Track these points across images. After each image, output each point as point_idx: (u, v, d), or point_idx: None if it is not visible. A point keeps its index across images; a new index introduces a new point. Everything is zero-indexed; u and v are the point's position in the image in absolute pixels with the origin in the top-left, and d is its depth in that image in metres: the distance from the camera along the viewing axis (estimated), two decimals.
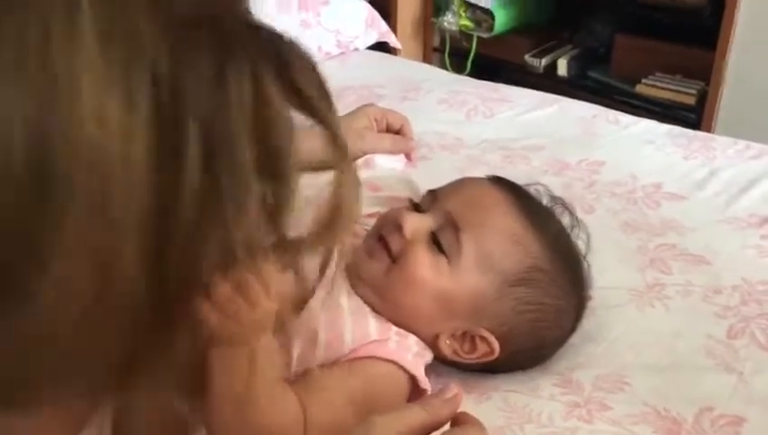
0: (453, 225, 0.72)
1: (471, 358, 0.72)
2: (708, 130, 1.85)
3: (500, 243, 0.72)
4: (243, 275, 0.54)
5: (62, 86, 0.32)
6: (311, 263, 0.55)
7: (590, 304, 0.81)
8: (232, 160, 0.36)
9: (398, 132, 1.10)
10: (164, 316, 0.38)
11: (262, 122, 0.37)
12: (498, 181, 0.79)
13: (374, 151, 1.05)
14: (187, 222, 0.35)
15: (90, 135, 0.32)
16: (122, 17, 0.34)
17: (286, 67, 0.39)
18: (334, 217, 0.44)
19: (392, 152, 1.07)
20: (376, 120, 1.07)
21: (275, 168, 0.39)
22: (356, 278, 0.72)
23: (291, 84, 0.39)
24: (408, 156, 1.08)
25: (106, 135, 0.33)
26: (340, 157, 0.43)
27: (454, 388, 0.65)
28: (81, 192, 0.33)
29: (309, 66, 0.41)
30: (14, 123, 0.32)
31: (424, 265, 0.71)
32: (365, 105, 1.10)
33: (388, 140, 1.08)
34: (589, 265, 0.78)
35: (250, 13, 0.40)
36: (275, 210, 0.40)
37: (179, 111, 0.34)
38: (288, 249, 0.44)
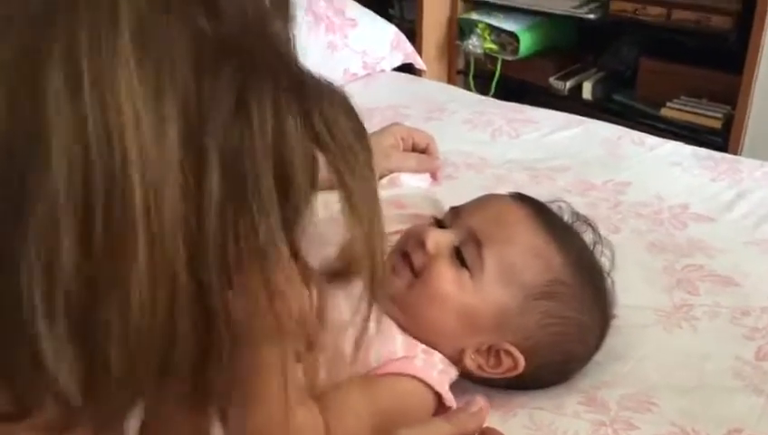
0: (475, 240, 0.72)
1: (496, 372, 0.72)
2: (735, 153, 1.84)
3: (522, 257, 0.72)
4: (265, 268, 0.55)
5: (111, 117, 0.34)
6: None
7: (616, 323, 0.81)
8: (251, 183, 0.38)
9: (423, 151, 1.11)
10: (204, 323, 0.39)
11: (280, 153, 0.38)
12: (520, 198, 0.79)
13: (400, 170, 1.06)
14: (213, 236, 0.37)
15: (135, 162, 0.34)
16: (160, 49, 0.35)
17: (312, 107, 0.40)
18: (347, 268, 0.46)
19: (418, 171, 1.08)
20: (402, 138, 1.08)
21: (291, 195, 0.40)
22: (379, 293, 0.73)
23: (317, 124, 0.40)
24: (433, 175, 1.09)
25: (146, 161, 0.34)
26: (355, 221, 0.44)
27: (480, 401, 0.65)
28: (142, 225, 0.35)
29: (342, 110, 0.42)
30: (74, 152, 0.33)
31: (446, 279, 0.71)
32: (392, 124, 1.12)
33: (413, 158, 1.09)
34: (613, 282, 0.78)
35: (289, 52, 0.42)
36: (291, 228, 0.41)
37: (202, 137, 0.36)
38: (304, 272, 0.45)
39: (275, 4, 0.42)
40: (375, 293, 0.49)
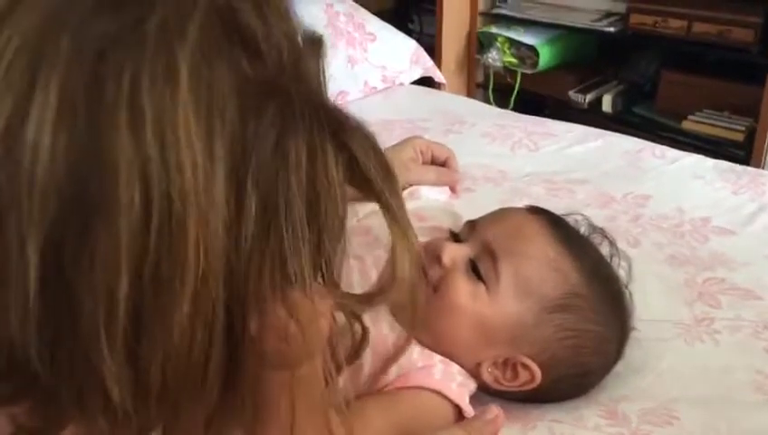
0: (490, 253, 0.73)
1: (513, 386, 0.72)
2: (758, 166, 1.82)
3: (537, 270, 0.72)
4: (295, 297, 0.56)
5: (171, 156, 0.35)
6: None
7: (636, 336, 0.80)
8: (285, 217, 0.39)
9: (443, 165, 1.11)
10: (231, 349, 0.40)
11: (314, 188, 0.40)
12: (536, 211, 0.79)
13: (419, 183, 1.06)
14: (249, 269, 0.39)
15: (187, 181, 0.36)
16: (212, 92, 0.37)
17: (344, 145, 0.42)
18: (388, 286, 0.47)
19: (437, 184, 1.09)
20: (422, 151, 1.09)
21: (325, 230, 0.42)
22: (396, 307, 0.73)
23: (349, 161, 0.43)
24: (452, 188, 1.10)
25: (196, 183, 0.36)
26: (399, 236, 0.47)
27: (494, 409, 0.65)
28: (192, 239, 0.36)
29: (370, 147, 0.44)
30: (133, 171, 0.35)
31: (462, 292, 0.71)
32: (412, 137, 1.12)
33: (433, 172, 1.09)
34: (631, 294, 0.78)
35: (321, 91, 0.44)
36: (325, 260, 0.43)
37: (245, 175, 0.38)
38: (340, 301, 0.48)
39: (309, 45, 0.44)
40: (415, 317, 0.53)
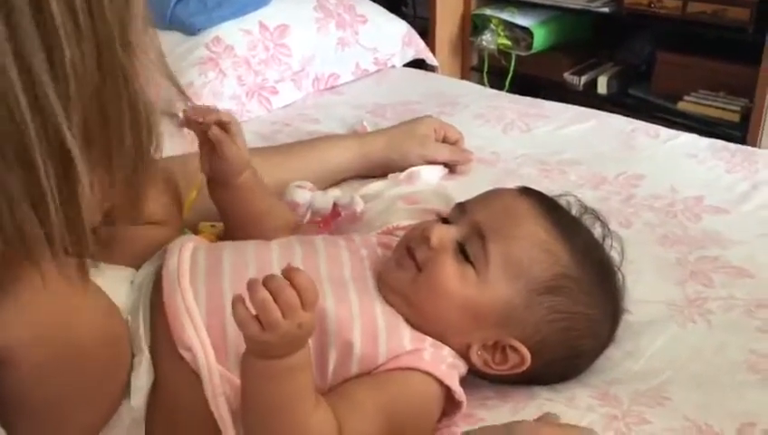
0: (479, 234, 0.72)
1: (502, 369, 0.72)
2: (754, 146, 1.81)
3: (527, 251, 0.71)
4: (281, 284, 0.56)
5: None
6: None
7: (628, 318, 0.80)
8: None
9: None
10: None
11: None
12: (526, 191, 0.78)
13: (434, 158, 1.12)
14: None
15: None
16: None
17: None
18: None
19: (450, 161, 1.13)
20: (435, 130, 1.13)
21: None
22: (385, 288, 0.73)
23: None
24: (454, 168, 1.12)
25: None
26: None
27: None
28: None
29: None
30: None
31: (448, 273, 0.71)
32: (426, 115, 1.16)
33: (447, 149, 1.13)
34: (623, 275, 0.77)
35: None
36: None
37: None
38: None
39: None
40: None
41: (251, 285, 0.58)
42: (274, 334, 0.58)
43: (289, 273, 0.59)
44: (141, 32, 0.53)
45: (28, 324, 0.57)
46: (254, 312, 0.58)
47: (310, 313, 0.59)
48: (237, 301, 0.58)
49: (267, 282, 0.58)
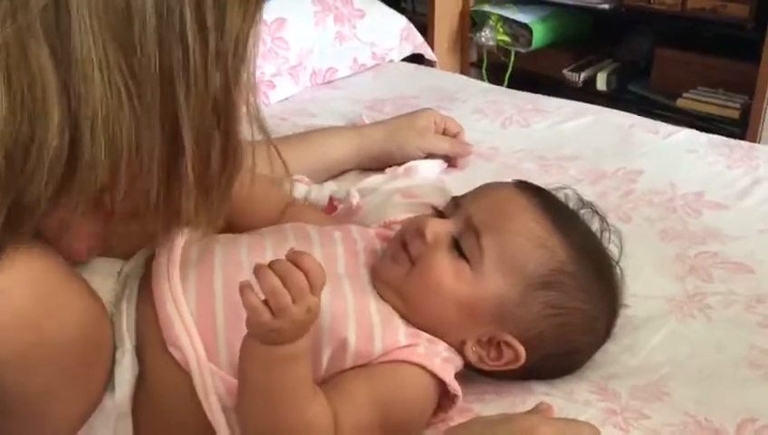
0: (474, 229, 0.71)
1: (497, 365, 0.71)
2: (753, 143, 1.81)
3: (522, 246, 0.70)
4: (289, 268, 0.55)
5: None
6: None
7: (627, 313, 0.79)
8: None
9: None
10: None
11: None
12: (522, 186, 0.77)
13: (434, 150, 1.11)
14: None
15: None
16: None
17: None
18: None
19: (450, 153, 1.12)
20: (436, 122, 1.12)
21: None
22: (380, 282, 0.72)
23: None
24: (454, 163, 1.12)
25: None
26: None
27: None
28: None
29: None
30: None
31: (442, 268, 0.70)
32: (426, 108, 1.15)
33: (447, 141, 1.13)
34: (621, 270, 0.76)
35: None
36: None
37: None
38: None
39: None
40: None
41: (259, 271, 0.57)
42: (285, 320, 0.57)
43: (294, 256, 0.58)
44: (248, 80, 0.56)
45: (9, 311, 0.56)
46: (262, 298, 0.57)
47: (317, 296, 0.58)
48: (246, 287, 0.57)
49: (274, 266, 0.57)
